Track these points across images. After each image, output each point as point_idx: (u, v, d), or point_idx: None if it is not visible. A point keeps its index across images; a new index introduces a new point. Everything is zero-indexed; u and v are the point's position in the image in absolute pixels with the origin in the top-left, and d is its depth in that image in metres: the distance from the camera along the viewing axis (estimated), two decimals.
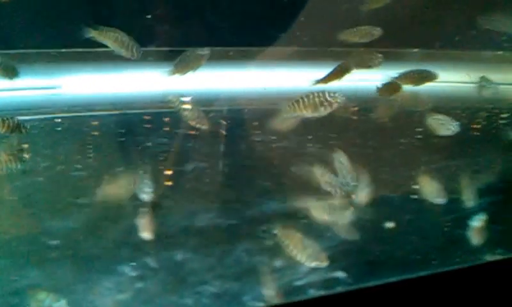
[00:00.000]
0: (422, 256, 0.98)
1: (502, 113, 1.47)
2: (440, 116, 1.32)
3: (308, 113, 1.13)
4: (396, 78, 1.44)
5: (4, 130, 1.14)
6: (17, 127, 1.16)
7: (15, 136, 1.19)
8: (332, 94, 1.10)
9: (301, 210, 1.10)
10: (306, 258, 0.95)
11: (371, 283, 0.90)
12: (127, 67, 1.55)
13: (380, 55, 1.42)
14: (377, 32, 1.42)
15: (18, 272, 0.91)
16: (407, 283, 0.94)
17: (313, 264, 0.95)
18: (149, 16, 1.54)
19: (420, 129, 1.37)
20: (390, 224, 1.04)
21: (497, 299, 1.02)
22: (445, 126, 1.29)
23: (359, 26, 1.43)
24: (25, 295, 0.86)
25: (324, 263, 0.94)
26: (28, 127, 1.18)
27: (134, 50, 1.23)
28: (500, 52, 1.60)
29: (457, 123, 1.27)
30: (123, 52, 1.23)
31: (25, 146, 1.26)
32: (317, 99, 1.12)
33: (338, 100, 1.10)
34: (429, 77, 1.47)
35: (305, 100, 1.12)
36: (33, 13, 1.45)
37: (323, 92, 1.12)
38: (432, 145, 1.34)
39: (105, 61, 1.53)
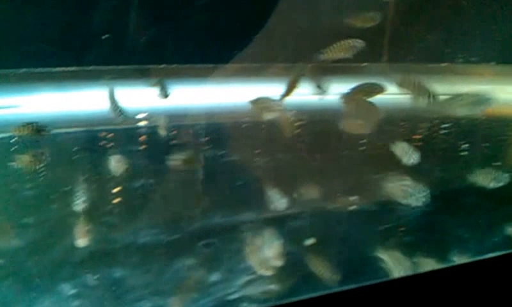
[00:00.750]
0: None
1: (444, 123, 1.52)
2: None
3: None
4: (348, 93, 1.49)
5: (26, 132, 1.26)
6: (39, 130, 1.28)
7: None
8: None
9: (243, 224, 1.14)
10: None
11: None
12: (83, 86, 1.58)
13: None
14: (359, 44, 1.44)
15: None
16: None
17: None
18: (106, 36, 1.57)
19: (363, 141, 1.42)
20: (310, 241, 1.09)
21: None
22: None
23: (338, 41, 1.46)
24: None
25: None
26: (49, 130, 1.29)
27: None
28: (444, 64, 1.66)
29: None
30: None
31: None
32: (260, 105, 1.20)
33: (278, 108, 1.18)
34: (378, 90, 1.52)
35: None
36: None
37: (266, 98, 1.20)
38: (375, 157, 1.38)
39: (63, 80, 1.56)
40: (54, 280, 0.97)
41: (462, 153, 1.45)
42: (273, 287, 0.97)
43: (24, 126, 1.31)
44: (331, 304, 0.95)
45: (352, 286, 0.95)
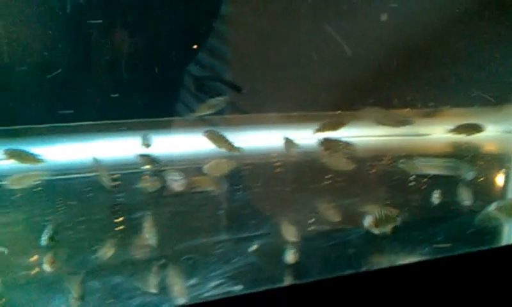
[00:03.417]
0: None
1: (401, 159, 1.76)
2: None
3: None
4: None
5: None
6: None
7: None
8: None
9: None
10: None
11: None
12: (98, 137, 1.87)
13: None
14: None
15: None
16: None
17: None
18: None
19: (329, 175, 1.68)
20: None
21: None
22: None
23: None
24: None
25: None
26: None
27: None
28: (406, 110, 1.92)
29: None
30: None
31: None
32: None
33: None
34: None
35: None
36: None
37: None
38: (337, 186, 1.64)
39: (80, 132, 1.85)
40: None
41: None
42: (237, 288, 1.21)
43: None
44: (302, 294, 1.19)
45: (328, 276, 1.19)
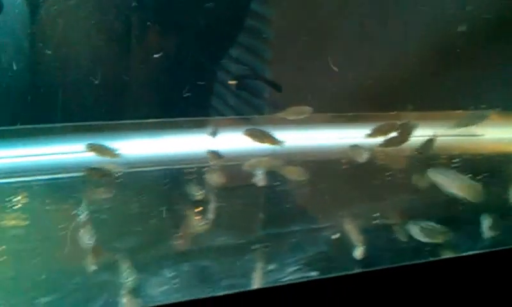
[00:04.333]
0: None
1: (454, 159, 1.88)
2: None
3: None
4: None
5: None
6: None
7: None
8: None
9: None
10: None
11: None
12: (168, 133, 2.02)
13: None
14: None
15: None
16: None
17: None
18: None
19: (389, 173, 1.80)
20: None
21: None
22: None
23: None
24: None
25: None
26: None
27: None
28: (458, 111, 2.01)
29: None
30: None
31: None
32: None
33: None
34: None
35: None
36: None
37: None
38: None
39: (153, 129, 2.00)
40: None
41: None
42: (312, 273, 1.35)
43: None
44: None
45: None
